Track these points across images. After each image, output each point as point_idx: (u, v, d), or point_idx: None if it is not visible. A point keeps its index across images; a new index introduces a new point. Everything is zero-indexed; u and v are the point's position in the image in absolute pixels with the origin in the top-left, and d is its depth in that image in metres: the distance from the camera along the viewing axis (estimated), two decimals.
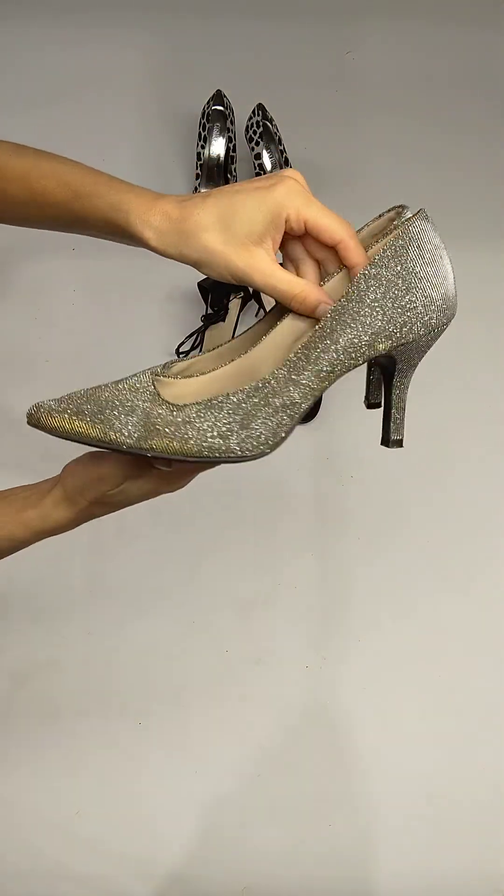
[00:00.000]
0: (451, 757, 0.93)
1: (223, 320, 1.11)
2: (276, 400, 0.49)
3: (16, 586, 0.98)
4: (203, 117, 1.20)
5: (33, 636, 0.95)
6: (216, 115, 1.19)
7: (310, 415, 1.08)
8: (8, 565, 0.99)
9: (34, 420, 0.50)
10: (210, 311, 1.11)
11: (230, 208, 0.45)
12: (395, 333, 0.49)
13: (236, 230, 0.45)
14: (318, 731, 0.93)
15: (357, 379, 1.18)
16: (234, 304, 1.12)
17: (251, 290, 1.13)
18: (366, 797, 0.91)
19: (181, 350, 1.10)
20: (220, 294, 1.11)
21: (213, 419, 0.47)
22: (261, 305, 1.13)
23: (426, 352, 0.53)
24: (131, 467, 0.52)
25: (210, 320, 1.10)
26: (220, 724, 0.92)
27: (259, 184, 0.47)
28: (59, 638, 0.95)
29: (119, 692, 0.93)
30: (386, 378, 0.54)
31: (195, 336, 1.11)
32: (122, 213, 0.49)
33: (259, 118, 1.18)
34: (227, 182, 1.21)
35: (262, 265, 0.47)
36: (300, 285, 0.48)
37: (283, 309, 0.50)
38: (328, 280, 0.50)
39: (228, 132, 1.20)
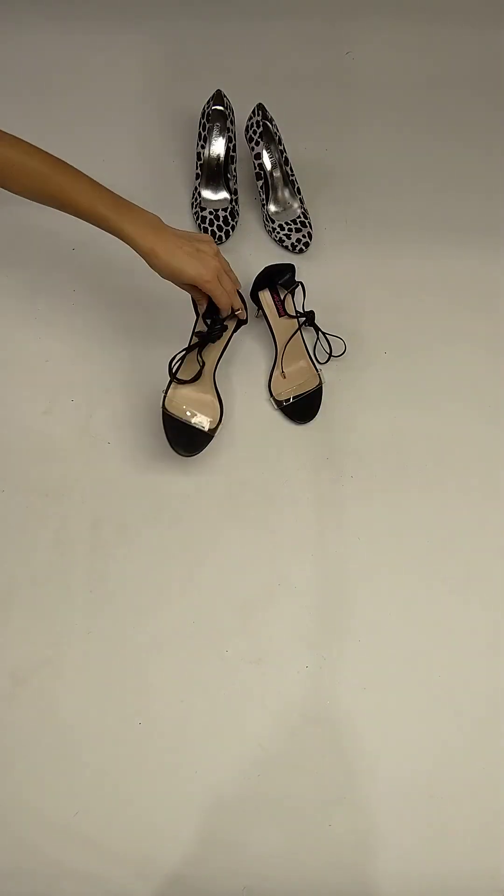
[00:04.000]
0: (451, 757, 0.93)
1: (219, 337, 1.02)
2: None
3: (16, 586, 0.98)
4: (203, 117, 1.20)
5: (33, 636, 0.95)
6: (216, 115, 1.19)
7: (310, 415, 1.08)
8: (8, 565, 0.99)
9: None
10: (206, 323, 1.01)
11: (178, 272, 0.90)
12: None
13: (182, 279, 0.92)
14: (318, 731, 0.93)
15: (357, 379, 1.19)
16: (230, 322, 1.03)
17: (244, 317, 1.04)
18: (366, 797, 0.91)
19: (174, 364, 1.00)
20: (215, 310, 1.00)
21: None
22: (259, 307, 1.13)
23: None
24: None
25: (206, 338, 1.01)
26: (220, 724, 0.92)
27: (197, 262, 0.91)
28: (59, 638, 0.95)
29: (119, 692, 0.93)
30: None
31: (187, 353, 1.02)
32: (122, 237, 0.89)
33: (259, 118, 1.18)
34: (227, 182, 1.21)
35: (191, 290, 0.97)
36: (229, 302, 0.97)
37: None
38: None
39: (228, 132, 1.20)
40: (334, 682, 0.95)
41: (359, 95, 1.36)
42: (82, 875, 0.86)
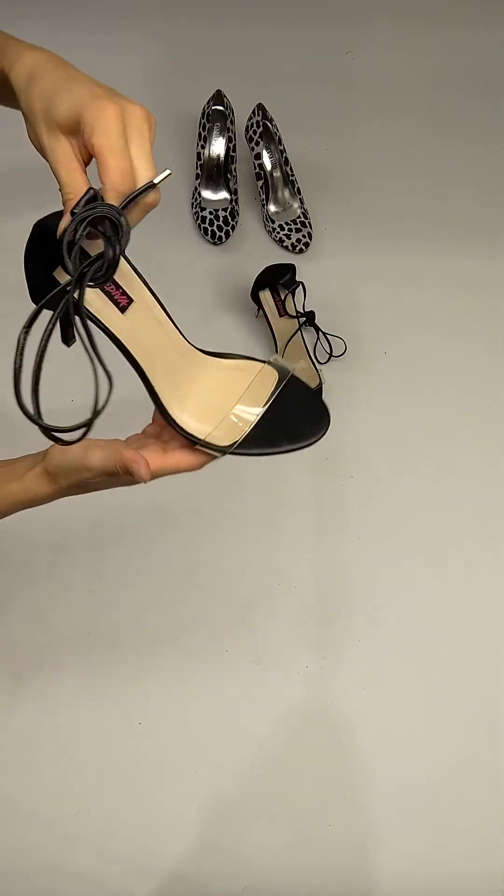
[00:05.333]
0: (451, 757, 0.93)
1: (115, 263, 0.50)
2: None
3: (16, 585, 0.98)
4: (203, 117, 1.20)
5: (33, 635, 0.95)
6: (216, 115, 1.19)
7: None
8: (9, 565, 0.99)
9: None
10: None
11: (57, 95, 0.48)
12: None
13: (54, 113, 0.48)
14: (318, 731, 0.93)
15: (357, 379, 1.19)
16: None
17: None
18: (366, 797, 0.91)
19: None
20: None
21: None
22: (260, 307, 1.13)
23: None
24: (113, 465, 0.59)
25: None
26: (220, 725, 0.92)
27: (99, 88, 0.50)
28: (60, 637, 0.95)
29: (119, 692, 0.93)
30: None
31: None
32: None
33: (259, 118, 1.18)
34: (227, 182, 1.21)
35: (59, 150, 0.49)
36: (77, 186, 0.49)
37: None
38: None
39: (228, 132, 1.20)
40: (334, 682, 0.95)
41: (359, 95, 1.36)
42: (83, 874, 0.86)
